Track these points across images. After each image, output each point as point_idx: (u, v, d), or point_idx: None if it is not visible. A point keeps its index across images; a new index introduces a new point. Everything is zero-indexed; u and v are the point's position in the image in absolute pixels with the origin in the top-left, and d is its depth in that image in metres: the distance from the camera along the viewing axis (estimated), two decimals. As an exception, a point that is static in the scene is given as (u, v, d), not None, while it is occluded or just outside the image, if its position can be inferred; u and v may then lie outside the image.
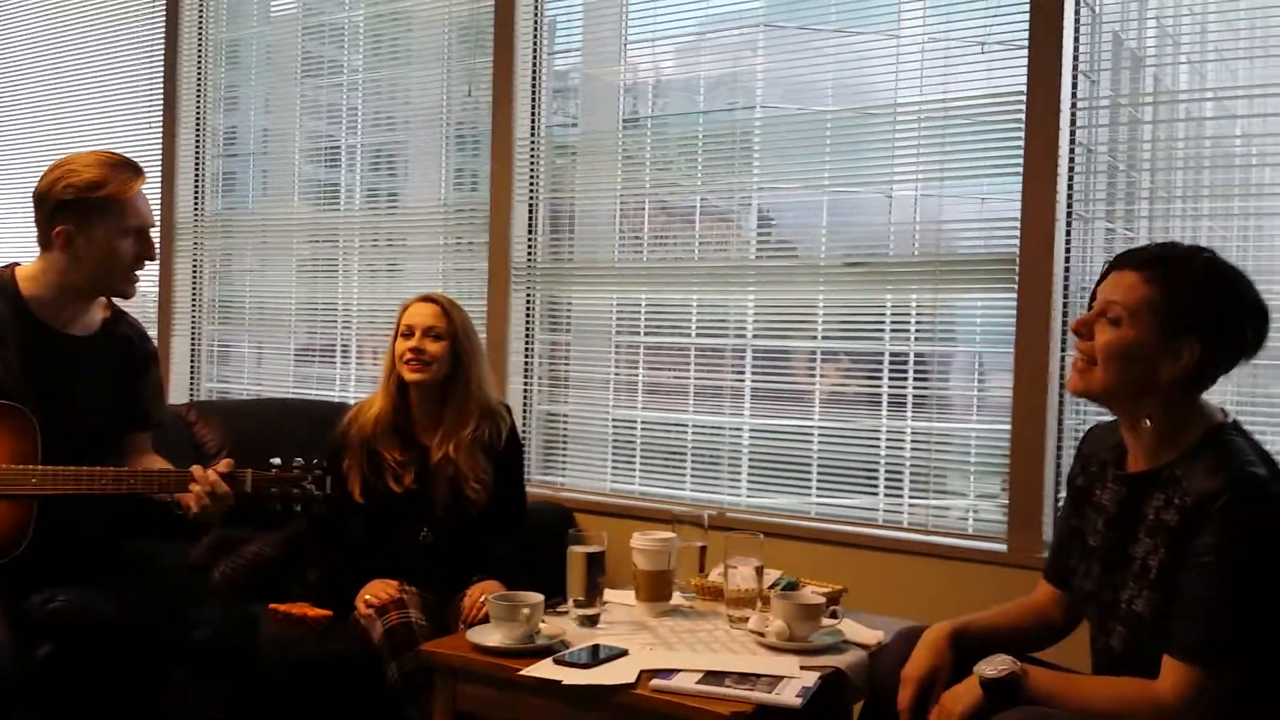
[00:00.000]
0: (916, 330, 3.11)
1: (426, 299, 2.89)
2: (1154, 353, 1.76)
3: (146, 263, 2.42)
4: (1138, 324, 1.77)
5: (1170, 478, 1.77)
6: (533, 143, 3.68)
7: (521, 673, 2.05)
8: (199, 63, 4.51)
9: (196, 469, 2.34)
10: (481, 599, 2.45)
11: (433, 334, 2.81)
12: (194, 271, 4.52)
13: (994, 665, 1.81)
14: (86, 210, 2.32)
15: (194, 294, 4.52)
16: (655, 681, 1.98)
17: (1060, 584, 2.04)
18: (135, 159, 2.44)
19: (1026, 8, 2.86)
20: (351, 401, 3.93)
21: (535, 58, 3.69)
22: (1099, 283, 1.86)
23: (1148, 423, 1.81)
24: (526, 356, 3.70)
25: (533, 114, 3.69)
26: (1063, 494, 2.80)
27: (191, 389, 4.52)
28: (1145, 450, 1.84)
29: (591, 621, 2.33)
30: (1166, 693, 1.70)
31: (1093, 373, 1.82)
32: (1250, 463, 1.72)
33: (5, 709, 2.07)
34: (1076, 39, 2.84)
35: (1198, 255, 1.80)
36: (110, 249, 2.34)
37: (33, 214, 2.37)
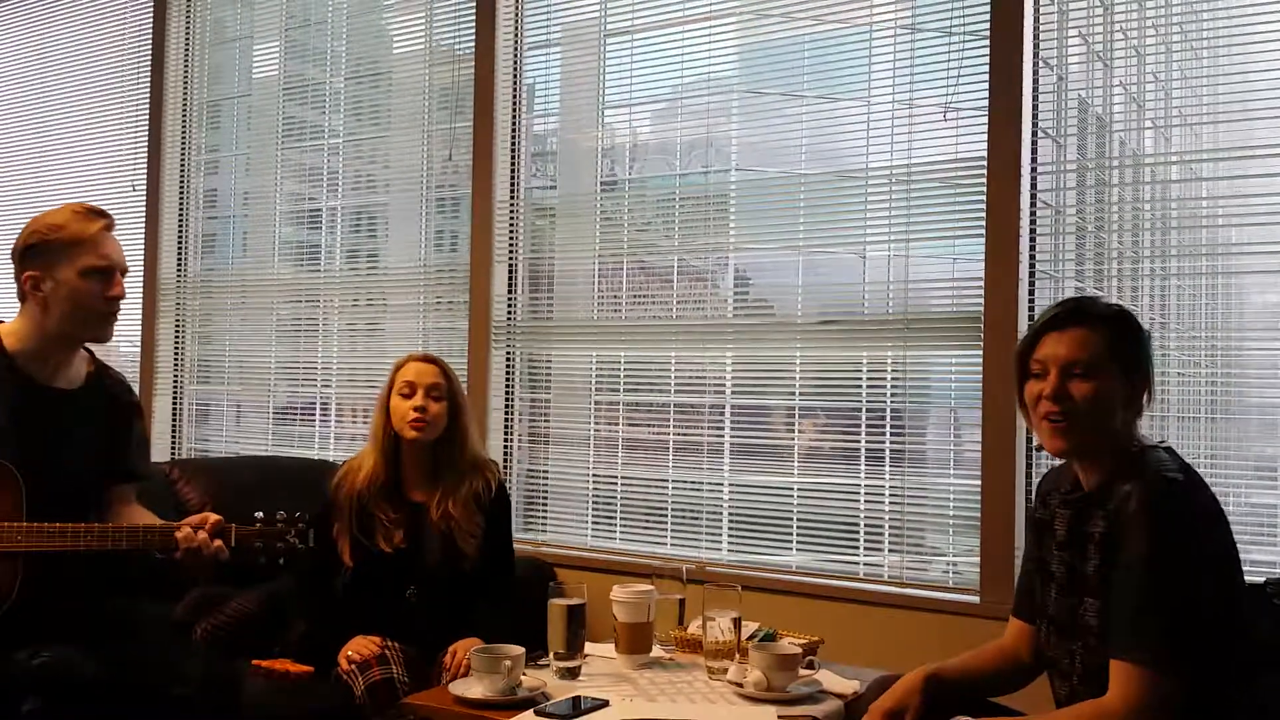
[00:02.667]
0: (892, 387, 3.17)
1: (426, 359, 2.90)
2: (1121, 395, 1.90)
3: (115, 302, 2.39)
4: (1105, 373, 1.89)
5: (1105, 494, 1.88)
6: (512, 205, 3.75)
7: (504, 724, 2.07)
8: (183, 124, 4.58)
9: (184, 528, 2.35)
10: (463, 655, 2.47)
11: (434, 393, 2.83)
12: (177, 331, 4.55)
13: None
14: (49, 253, 2.37)
15: (176, 353, 4.55)
16: (636, 732, 2.01)
17: (1027, 618, 2.10)
18: (118, 218, 2.48)
19: (986, 75, 2.96)
20: (331, 459, 3.97)
21: (515, 122, 3.77)
22: (1029, 351, 1.97)
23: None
24: (507, 414, 3.74)
25: (512, 177, 3.77)
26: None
27: (173, 447, 4.52)
28: (1091, 476, 1.95)
29: (572, 674, 2.35)
30: (1113, 702, 1.76)
31: (1075, 427, 1.90)
32: (1166, 467, 1.84)
33: None
34: (1035, 105, 2.94)
35: (1103, 302, 2.02)
36: (74, 289, 2.35)
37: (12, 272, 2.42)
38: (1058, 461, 2.07)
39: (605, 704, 2.15)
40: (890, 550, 3.13)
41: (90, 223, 2.39)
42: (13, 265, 2.41)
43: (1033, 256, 2.94)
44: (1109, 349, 1.89)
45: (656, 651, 2.51)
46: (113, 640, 2.40)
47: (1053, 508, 2.03)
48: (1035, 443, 2.09)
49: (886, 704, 2.00)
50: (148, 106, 4.61)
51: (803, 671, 2.29)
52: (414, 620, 2.78)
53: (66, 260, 2.36)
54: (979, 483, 2.95)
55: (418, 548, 2.82)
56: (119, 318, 2.46)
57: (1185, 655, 1.73)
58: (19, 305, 2.42)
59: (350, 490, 2.84)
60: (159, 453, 4.39)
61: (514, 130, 3.78)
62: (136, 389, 4.09)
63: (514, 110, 3.78)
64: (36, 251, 2.38)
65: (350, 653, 2.65)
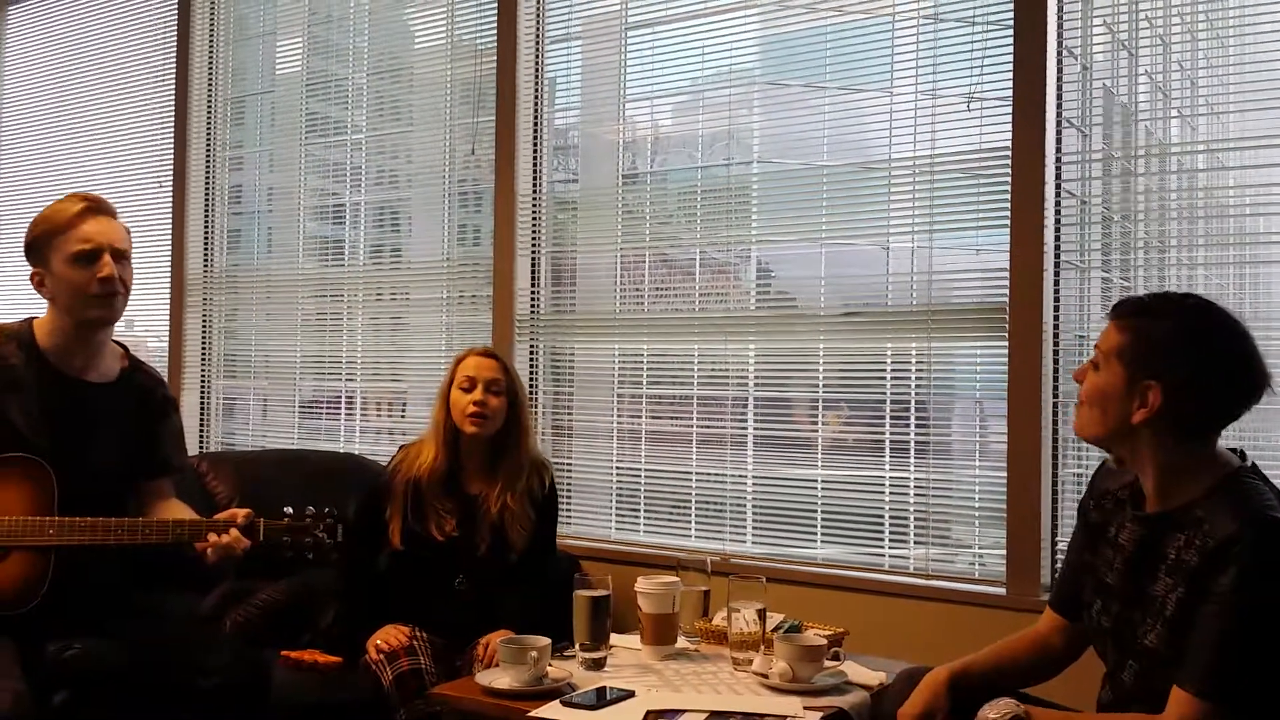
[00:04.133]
0: (917, 379, 3.16)
1: (487, 353, 2.94)
2: (1121, 396, 1.82)
3: (108, 283, 2.37)
4: (1108, 369, 1.84)
5: (1192, 519, 1.79)
6: (534, 198, 3.76)
7: (530, 715, 2.08)
8: (208, 122, 4.61)
9: (213, 521, 2.38)
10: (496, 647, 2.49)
11: (494, 388, 2.85)
12: (204, 326, 4.59)
13: (998, 709, 1.84)
14: (40, 248, 2.40)
15: (203, 348, 4.59)
16: (662, 722, 2.01)
17: (1067, 613, 2.07)
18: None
19: (1010, 65, 2.94)
20: (357, 452, 4.00)
21: (536, 116, 3.78)
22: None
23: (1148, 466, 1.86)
24: (531, 407, 3.75)
25: (534, 170, 3.78)
26: (1060, 539, 2.87)
27: (201, 441, 4.56)
28: (1157, 492, 1.87)
29: (598, 664, 2.37)
30: None
31: (1079, 414, 1.90)
32: (1271, 506, 1.76)
33: None
34: (1060, 94, 2.92)
35: (1182, 304, 1.86)
36: (65, 279, 2.37)
37: None
38: (1094, 455, 2.04)
39: (631, 694, 2.16)
40: (916, 542, 3.12)
41: (68, 208, 2.39)
42: None
43: (1058, 247, 2.92)
44: (1121, 347, 1.82)
45: (681, 643, 2.52)
46: (142, 632, 2.44)
47: (1109, 511, 1.98)
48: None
49: (913, 710, 1.97)
50: (173, 103, 4.64)
51: (828, 663, 2.29)
52: (457, 609, 2.80)
53: (54, 251, 2.38)
54: (1005, 475, 2.94)
55: (469, 538, 2.85)
56: (129, 300, 2.46)
57: (1251, 696, 1.71)
58: None
59: (407, 475, 2.86)
60: (189, 447, 4.43)
61: (535, 124, 3.78)
62: (165, 384, 4.15)
63: (535, 104, 3.79)
64: (32, 250, 2.42)
65: (379, 642, 2.67)
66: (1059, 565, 2.86)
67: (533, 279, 3.77)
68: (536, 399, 3.74)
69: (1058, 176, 2.92)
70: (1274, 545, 1.71)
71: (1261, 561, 1.70)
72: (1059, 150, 2.93)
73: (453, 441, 2.88)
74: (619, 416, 3.65)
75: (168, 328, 4.61)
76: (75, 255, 2.36)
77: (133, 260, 2.50)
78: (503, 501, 2.85)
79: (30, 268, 2.43)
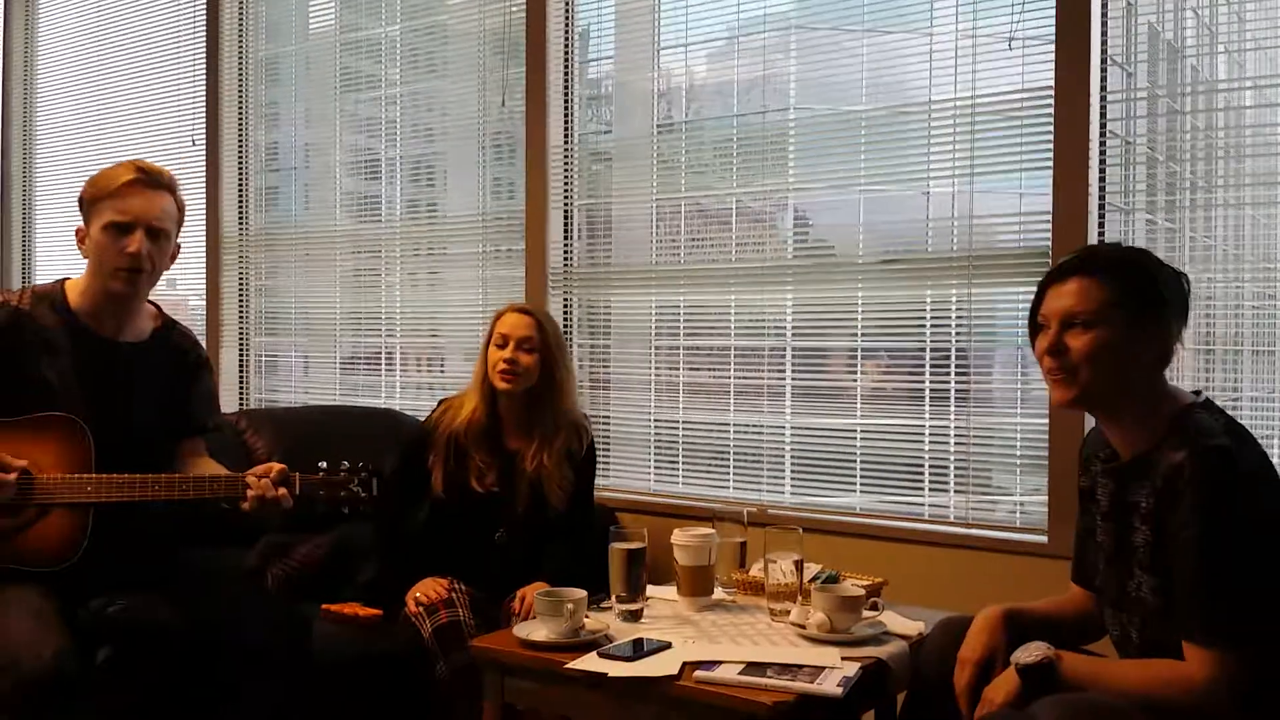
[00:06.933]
0: (957, 326, 3.12)
1: (521, 310, 2.94)
2: (1128, 342, 1.83)
3: (133, 259, 2.35)
4: (1107, 321, 1.84)
5: (1149, 463, 1.82)
6: (566, 150, 3.73)
7: (567, 666, 2.09)
8: (240, 80, 4.61)
9: (250, 476, 2.40)
10: (532, 599, 2.50)
11: (526, 346, 2.86)
12: (240, 284, 4.61)
13: (1029, 652, 1.85)
14: (86, 208, 2.42)
15: (241, 306, 4.61)
16: (698, 673, 2.01)
17: (1085, 584, 2.08)
18: (178, 174, 2.49)
19: (1053, 3, 2.86)
20: (397, 407, 4.01)
21: (567, 66, 3.74)
22: (1036, 307, 1.94)
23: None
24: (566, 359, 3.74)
25: (565, 122, 3.74)
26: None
27: (241, 398, 4.61)
28: (1128, 441, 1.89)
29: (634, 616, 2.37)
30: (1195, 672, 1.73)
31: (1077, 379, 1.86)
32: (1212, 434, 1.77)
33: (67, 711, 2.13)
34: (1105, 32, 2.84)
35: (1116, 247, 1.98)
36: (97, 244, 2.38)
37: None
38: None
39: (668, 646, 2.16)
40: (956, 491, 3.09)
41: (119, 175, 2.39)
42: None
43: (1102, 188, 2.85)
44: (1114, 297, 1.83)
45: (718, 594, 2.52)
46: (184, 588, 2.47)
47: (1094, 475, 2.00)
48: None
49: (973, 653, 1.97)
50: (205, 62, 4.63)
51: (866, 613, 2.28)
52: (497, 561, 2.82)
53: (95, 215, 2.39)
54: (1046, 422, 2.90)
55: (509, 492, 2.87)
56: (157, 276, 2.46)
57: (1255, 629, 1.70)
58: None
59: (448, 427, 2.88)
60: (227, 404, 4.47)
61: (566, 75, 3.74)
62: (204, 341, 4.19)
63: (566, 55, 3.74)
64: (81, 206, 2.44)
65: (418, 595, 2.70)
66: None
67: (565, 231, 3.74)
68: (572, 352, 3.73)
69: (1102, 116, 2.85)
70: (1217, 470, 1.72)
71: (1207, 489, 1.71)
72: (1103, 90, 2.85)
73: (491, 396, 2.89)
74: (656, 368, 3.63)
75: (204, 286, 4.64)
76: (109, 224, 2.37)
77: (177, 236, 2.49)
78: (539, 460, 2.86)
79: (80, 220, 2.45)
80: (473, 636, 2.50)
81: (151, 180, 2.41)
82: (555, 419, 2.91)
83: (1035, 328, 1.94)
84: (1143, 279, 1.86)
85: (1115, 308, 1.83)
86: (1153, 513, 1.80)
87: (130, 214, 2.36)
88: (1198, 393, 1.89)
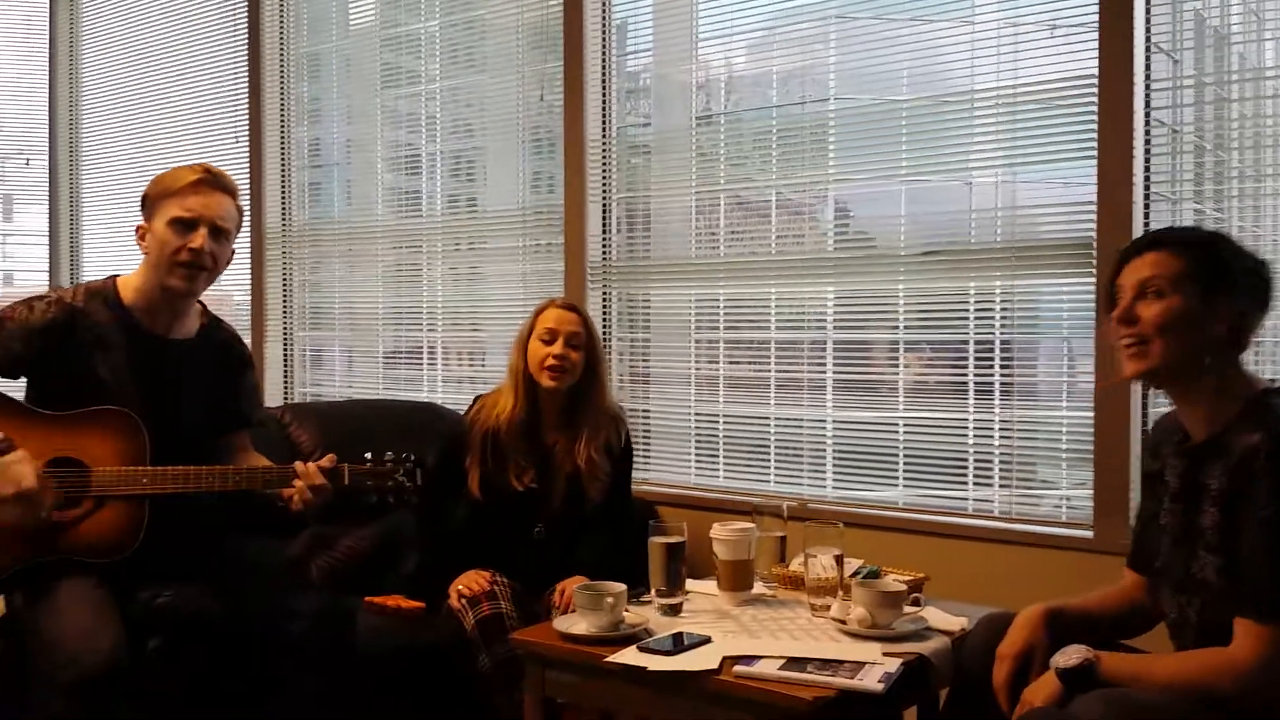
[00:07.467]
0: (1001, 318, 3.08)
1: (568, 306, 2.94)
2: (1199, 315, 1.82)
3: (196, 254, 2.40)
4: (1180, 291, 1.83)
5: (1222, 445, 1.81)
6: (604, 143, 3.72)
7: (607, 659, 2.09)
8: (281, 77, 4.64)
9: (299, 465, 2.43)
10: (571, 593, 2.51)
11: (574, 342, 2.86)
12: (284, 279, 4.65)
13: (1069, 656, 1.84)
14: (149, 205, 2.46)
15: (284, 301, 4.66)
16: (738, 668, 2.00)
17: (1142, 570, 2.05)
18: (222, 170, 2.53)
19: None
20: (440, 401, 4.04)
21: (604, 59, 3.73)
22: (1114, 277, 1.93)
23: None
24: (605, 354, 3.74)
25: (603, 115, 3.74)
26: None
27: (285, 392, 4.65)
28: (1201, 422, 1.88)
29: (674, 610, 2.37)
30: (1241, 655, 1.71)
31: (1149, 350, 1.85)
32: None
33: (118, 698, 2.16)
34: (1149, 18, 2.80)
35: (1194, 227, 2.01)
36: (160, 239, 2.42)
37: None
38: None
39: (707, 640, 2.16)
40: (1000, 485, 3.06)
41: (185, 175, 2.44)
42: None
43: (1147, 178, 2.81)
44: (1187, 269, 1.83)
45: (758, 589, 2.51)
46: (232, 579, 2.50)
47: (1164, 458, 1.97)
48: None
49: (1012, 648, 1.96)
50: (247, 59, 4.68)
51: (907, 609, 2.26)
52: (535, 557, 2.83)
53: (159, 212, 2.44)
54: (1092, 415, 2.86)
55: (547, 488, 2.87)
56: (215, 276, 2.49)
57: None
58: None
59: (485, 425, 2.88)
60: (272, 398, 4.52)
61: (604, 68, 3.73)
62: (248, 337, 4.24)
63: (604, 48, 3.74)
64: (144, 205, 2.48)
65: (461, 587, 2.71)
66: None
67: (604, 225, 3.74)
68: (610, 346, 3.73)
69: (1147, 105, 2.81)
70: None
71: None
72: (1148, 77, 2.80)
73: (530, 391, 2.89)
74: (696, 362, 3.62)
75: (249, 281, 4.69)
76: (174, 220, 2.41)
77: (233, 242, 2.53)
78: (586, 454, 2.86)
79: (141, 219, 2.49)
80: (514, 629, 2.51)
81: (217, 182, 2.47)
82: (596, 414, 2.91)
83: (1110, 303, 1.93)
84: (1216, 256, 1.85)
85: (1188, 280, 1.83)
86: (1224, 494, 1.79)
87: (195, 211, 2.42)
88: (1273, 380, 1.90)
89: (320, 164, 4.69)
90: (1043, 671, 1.89)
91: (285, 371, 4.68)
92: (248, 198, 4.62)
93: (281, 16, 4.63)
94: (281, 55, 4.64)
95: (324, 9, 4.63)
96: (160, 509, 2.39)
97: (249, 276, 4.69)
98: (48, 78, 5.46)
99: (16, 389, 2.43)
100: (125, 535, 2.35)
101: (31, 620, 2.28)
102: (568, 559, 2.81)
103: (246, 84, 4.68)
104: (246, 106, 4.68)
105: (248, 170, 4.64)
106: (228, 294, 4.86)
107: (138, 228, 2.49)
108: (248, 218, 4.54)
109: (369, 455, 2.50)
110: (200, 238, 2.41)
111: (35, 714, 2.22)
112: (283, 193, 4.65)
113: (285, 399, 4.62)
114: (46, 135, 5.46)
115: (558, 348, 2.83)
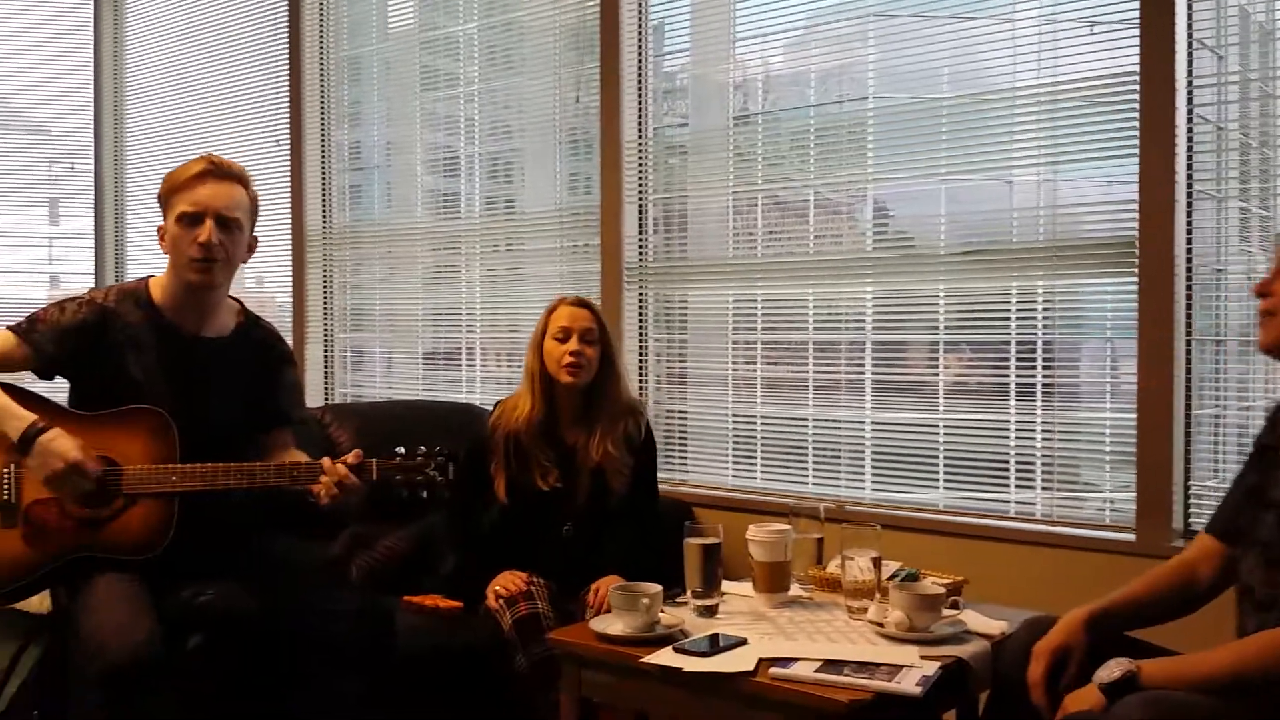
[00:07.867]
0: (1043, 318, 3.05)
1: (579, 302, 2.94)
2: None
3: (205, 248, 2.40)
4: None
5: None
6: (640, 144, 3.72)
7: (643, 660, 2.09)
8: (322, 80, 4.68)
9: (325, 461, 2.43)
10: (605, 593, 2.51)
11: (588, 338, 2.87)
12: (324, 281, 4.69)
13: (1110, 670, 1.81)
14: (163, 202, 2.48)
15: (325, 302, 4.70)
16: (774, 670, 1.99)
17: (1225, 537, 2.01)
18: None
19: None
20: (478, 402, 4.05)
21: (641, 60, 3.73)
22: None
23: None
24: (640, 355, 3.75)
25: (639, 116, 3.74)
26: (1193, 483, 2.77)
27: (326, 393, 4.69)
28: None
29: (710, 611, 2.36)
30: None
31: (1274, 322, 1.85)
32: None
33: (153, 693, 2.18)
34: (1191, 14, 2.76)
35: None
36: (172, 237, 2.45)
37: None
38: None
39: (744, 642, 2.15)
40: (1042, 487, 3.03)
41: (189, 169, 2.45)
42: None
43: (1191, 176, 2.77)
44: None
45: (795, 591, 2.50)
46: (273, 579, 2.52)
47: None
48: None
49: (1052, 644, 1.94)
50: (287, 62, 4.72)
51: (946, 612, 2.24)
52: (566, 555, 2.84)
53: (170, 209, 2.46)
54: (1135, 417, 2.82)
55: (572, 486, 2.88)
56: (233, 266, 2.50)
57: None
58: None
59: (506, 429, 2.89)
60: (313, 398, 4.56)
61: (640, 68, 3.73)
62: (289, 338, 4.27)
63: (640, 48, 3.74)
64: (159, 204, 2.50)
65: (498, 588, 2.72)
66: (1191, 510, 2.79)
67: (640, 226, 3.74)
68: (647, 347, 3.73)
69: (1190, 102, 2.77)
70: None
71: None
72: (1191, 74, 2.76)
73: (548, 391, 2.90)
74: (734, 363, 3.61)
75: (290, 283, 4.74)
76: (182, 215, 2.43)
77: (252, 229, 2.53)
78: (602, 448, 2.86)
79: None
80: (550, 629, 2.52)
81: (220, 171, 2.46)
82: (614, 407, 2.91)
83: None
84: None
85: None
86: None
87: (199, 204, 2.42)
88: None
89: (360, 166, 4.73)
90: (1078, 672, 1.87)
91: (326, 372, 4.73)
92: (288, 200, 4.67)
93: (322, 20, 4.67)
94: (321, 59, 4.68)
95: (364, 13, 4.67)
96: (190, 507, 2.40)
97: (290, 279, 4.73)
98: (92, 82, 5.54)
99: (55, 390, 2.47)
100: (155, 534, 2.38)
101: (73, 616, 2.31)
102: (596, 555, 2.82)
103: (287, 87, 4.72)
104: (287, 110, 4.73)
105: (289, 173, 4.69)
106: (270, 295, 4.91)
107: (158, 228, 2.51)
108: (288, 221, 4.64)
109: (400, 450, 2.50)
110: (206, 230, 2.41)
111: (76, 709, 2.25)
112: (323, 195, 4.69)
113: (326, 400, 4.66)
114: (91, 139, 5.54)
115: (573, 345, 2.85)
